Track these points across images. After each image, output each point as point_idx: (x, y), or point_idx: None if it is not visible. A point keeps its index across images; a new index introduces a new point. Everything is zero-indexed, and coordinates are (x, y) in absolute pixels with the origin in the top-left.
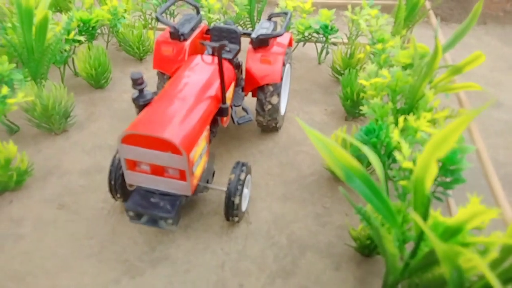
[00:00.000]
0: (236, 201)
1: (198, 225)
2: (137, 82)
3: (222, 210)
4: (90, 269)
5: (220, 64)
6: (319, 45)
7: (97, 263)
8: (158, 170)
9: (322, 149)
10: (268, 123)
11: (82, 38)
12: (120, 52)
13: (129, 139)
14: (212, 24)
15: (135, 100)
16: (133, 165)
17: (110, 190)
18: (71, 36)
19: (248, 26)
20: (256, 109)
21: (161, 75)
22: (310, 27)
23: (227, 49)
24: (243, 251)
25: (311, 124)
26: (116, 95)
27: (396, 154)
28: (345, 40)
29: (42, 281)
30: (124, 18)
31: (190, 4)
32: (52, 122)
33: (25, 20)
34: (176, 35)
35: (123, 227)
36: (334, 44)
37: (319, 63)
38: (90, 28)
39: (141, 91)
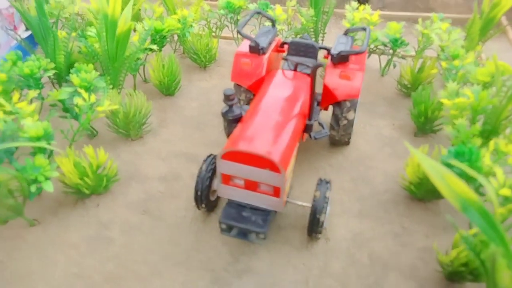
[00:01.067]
0: (322, 218)
1: (277, 238)
2: (229, 98)
3: (302, 225)
4: (180, 277)
5: (312, 83)
6: (383, 57)
7: (185, 271)
8: (252, 186)
9: (436, 178)
10: (341, 138)
11: (155, 47)
12: (184, 60)
13: (229, 155)
14: (282, 38)
15: (224, 115)
16: (228, 179)
17: (196, 200)
18: (146, 45)
19: (312, 37)
20: (330, 124)
21: (238, 87)
22: (377, 39)
23: (308, 64)
24: (325, 267)
25: (380, 138)
26: (185, 102)
27: (491, 180)
28: (412, 53)
29: (135, 285)
30: (192, 27)
31: (267, 17)
32: (131, 128)
33: (109, 31)
34: (256, 49)
35: (206, 236)
36: (403, 57)
37: (382, 75)
38: (161, 37)
39: (231, 106)
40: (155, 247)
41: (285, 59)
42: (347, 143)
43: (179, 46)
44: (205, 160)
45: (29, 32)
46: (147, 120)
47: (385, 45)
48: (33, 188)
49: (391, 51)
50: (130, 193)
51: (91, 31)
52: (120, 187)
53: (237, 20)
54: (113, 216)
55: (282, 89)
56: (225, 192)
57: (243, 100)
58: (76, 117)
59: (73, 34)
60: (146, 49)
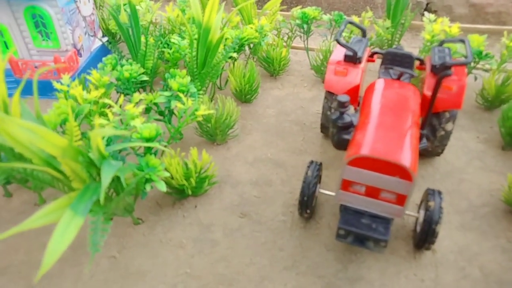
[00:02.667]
0: (438, 229)
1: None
2: (343, 105)
3: (404, 235)
4: (291, 282)
5: (435, 92)
6: None
7: (295, 275)
8: (373, 193)
9: None
10: (435, 149)
11: (235, 55)
12: (255, 68)
13: (356, 161)
14: (374, 48)
15: (334, 121)
16: (348, 185)
17: (301, 206)
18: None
19: (385, 48)
20: (425, 134)
21: (330, 95)
22: (456, 52)
23: (406, 75)
24: (437, 280)
25: (467, 151)
26: (262, 109)
27: None
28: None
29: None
30: (267, 36)
31: (358, 27)
32: (218, 133)
33: (202, 38)
34: (352, 58)
35: (309, 242)
36: (486, 70)
37: None
38: (240, 45)
39: (342, 113)
40: (260, 250)
41: (390, 68)
42: (438, 154)
43: (250, 54)
44: (309, 166)
45: (105, 38)
46: (234, 126)
47: (465, 57)
48: (148, 187)
49: (472, 64)
50: (225, 197)
51: (174, 38)
52: (215, 190)
53: (308, 30)
54: (213, 218)
55: (392, 99)
56: (343, 198)
57: (334, 108)
58: (169, 120)
59: (162, 40)
60: (229, 57)
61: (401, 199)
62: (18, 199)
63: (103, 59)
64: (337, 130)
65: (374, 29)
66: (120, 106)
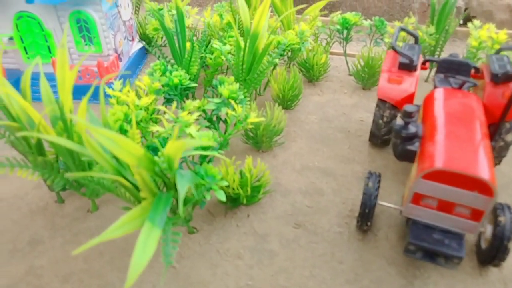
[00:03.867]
0: (510, 246)
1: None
2: (410, 115)
3: (471, 250)
4: None
5: (510, 102)
6: None
7: None
8: (446, 207)
9: None
10: None
11: (277, 61)
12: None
13: (431, 174)
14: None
15: (398, 131)
16: (418, 199)
17: (362, 218)
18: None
19: (427, 55)
20: None
21: (383, 104)
22: None
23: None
24: None
25: None
26: (303, 116)
27: None
28: None
29: None
30: (308, 42)
31: (410, 33)
32: (264, 140)
33: (250, 44)
34: (408, 66)
35: (368, 255)
36: None
37: None
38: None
39: (407, 123)
40: (319, 263)
41: (451, 77)
42: (494, 166)
43: (289, 60)
44: (369, 178)
45: (141, 44)
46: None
47: None
48: (208, 197)
49: None
50: (277, 206)
51: (216, 44)
52: (266, 199)
53: (347, 36)
54: (268, 228)
55: (459, 108)
56: (412, 212)
57: (386, 116)
58: (216, 127)
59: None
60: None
61: (477, 215)
62: (71, 205)
63: (151, 65)
64: (401, 140)
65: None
66: (164, 113)
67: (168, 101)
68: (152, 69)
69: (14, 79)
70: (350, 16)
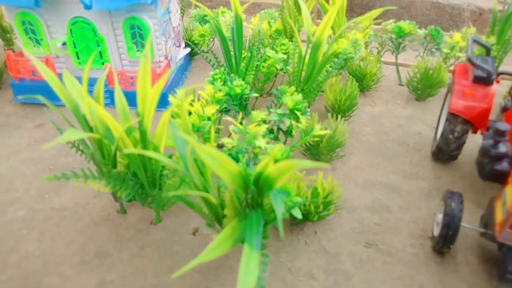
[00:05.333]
0: None
1: None
2: (502, 134)
3: None
4: None
5: None
6: None
7: None
8: None
9: None
10: None
11: (331, 70)
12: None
13: None
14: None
15: (487, 150)
16: None
17: (443, 241)
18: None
19: None
20: None
21: (454, 118)
22: None
23: None
24: None
25: None
26: (358, 127)
27: None
28: None
29: None
30: (360, 51)
31: (482, 45)
32: (324, 153)
33: (312, 53)
34: (486, 79)
35: (450, 279)
36: None
37: None
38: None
39: (497, 142)
40: (398, 286)
41: None
42: None
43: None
44: (450, 197)
45: (188, 49)
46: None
47: None
48: (285, 214)
49: None
50: (344, 223)
51: (269, 51)
52: (332, 215)
53: (399, 45)
54: (338, 247)
55: None
56: (508, 237)
57: (457, 132)
58: (276, 138)
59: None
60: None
61: None
62: (133, 216)
63: (211, 73)
64: (490, 160)
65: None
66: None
67: (226, 111)
68: (212, 78)
69: None
70: (405, 25)
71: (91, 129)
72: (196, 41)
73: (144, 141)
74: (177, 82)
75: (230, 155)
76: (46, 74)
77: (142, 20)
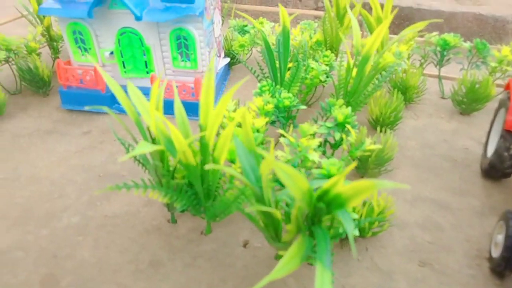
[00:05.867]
0: None
1: None
2: None
3: None
4: None
5: None
6: None
7: None
8: None
9: None
10: None
11: (378, 83)
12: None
13: None
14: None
15: None
16: None
17: (506, 263)
18: None
19: None
20: None
21: (510, 136)
22: None
23: None
24: None
25: None
26: (402, 141)
27: None
28: None
29: None
30: (405, 63)
31: None
32: (370, 167)
33: (360, 66)
34: None
35: None
36: None
37: None
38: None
39: None
40: None
41: None
42: None
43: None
44: (511, 218)
45: (227, 59)
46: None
47: None
48: (341, 229)
49: None
50: (395, 239)
51: (313, 63)
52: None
53: (442, 58)
54: (391, 265)
55: None
56: None
57: None
58: (324, 151)
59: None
60: None
61: None
62: (184, 226)
63: (259, 85)
64: None
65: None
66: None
67: (271, 123)
68: (260, 90)
69: (111, 92)
70: (450, 37)
71: (153, 140)
72: (235, 51)
73: (204, 153)
74: (218, 92)
75: None
76: (112, 84)
77: (189, 31)
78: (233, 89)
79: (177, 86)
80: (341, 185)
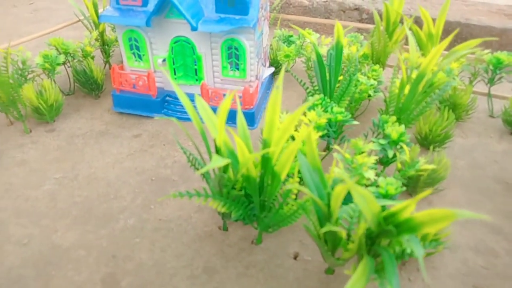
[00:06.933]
0: None
1: None
2: None
3: None
4: None
5: None
6: None
7: None
8: None
9: None
10: None
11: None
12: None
13: None
14: None
15: None
16: None
17: None
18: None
19: None
20: None
21: None
22: None
23: None
24: None
25: None
26: (451, 160)
27: None
28: None
29: None
30: (455, 80)
31: None
32: (421, 185)
33: (415, 83)
34: None
35: None
36: None
37: None
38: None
39: None
40: None
41: None
42: None
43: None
44: None
45: (272, 69)
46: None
47: None
48: (409, 250)
49: None
50: (447, 261)
51: (362, 78)
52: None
53: (494, 76)
54: (443, 287)
55: None
56: None
57: None
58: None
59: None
60: None
61: None
62: (234, 234)
63: (310, 98)
64: None
65: None
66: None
67: (321, 137)
68: (313, 104)
69: (161, 97)
70: (503, 55)
71: (217, 151)
72: (280, 61)
73: (265, 167)
74: (262, 102)
75: None
76: (180, 95)
77: (240, 42)
78: (302, 108)
79: (224, 95)
80: (412, 210)
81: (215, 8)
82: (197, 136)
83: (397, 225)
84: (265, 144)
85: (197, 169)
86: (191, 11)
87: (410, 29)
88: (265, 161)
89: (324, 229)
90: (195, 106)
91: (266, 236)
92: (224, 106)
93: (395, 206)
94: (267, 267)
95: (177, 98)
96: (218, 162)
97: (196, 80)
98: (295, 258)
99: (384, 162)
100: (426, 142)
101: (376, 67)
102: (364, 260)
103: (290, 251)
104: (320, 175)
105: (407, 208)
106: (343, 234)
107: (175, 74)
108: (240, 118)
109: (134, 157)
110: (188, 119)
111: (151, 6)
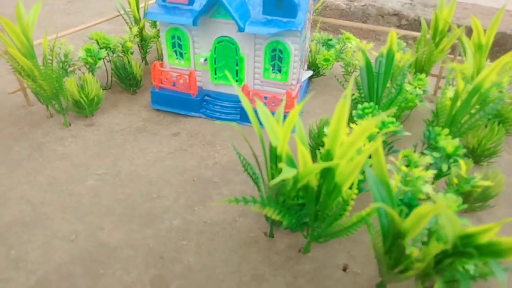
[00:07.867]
0: None
1: None
2: None
3: None
4: None
5: None
6: None
7: None
8: None
9: None
10: None
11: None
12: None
13: None
14: None
15: None
16: None
17: None
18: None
19: None
20: None
21: None
22: None
23: None
24: None
25: None
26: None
27: None
28: None
29: None
30: (502, 92)
31: None
32: (472, 202)
33: (469, 97)
34: None
35: None
36: None
37: None
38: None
39: None
40: None
41: None
42: None
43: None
44: None
45: (310, 72)
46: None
47: None
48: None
49: None
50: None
51: (408, 87)
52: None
53: None
54: None
55: None
56: None
57: None
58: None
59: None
60: None
61: None
62: (281, 242)
63: (359, 106)
64: None
65: None
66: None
67: None
68: (362, 112)
69: (201, 97)
70: None
71: (278, 158)
72: (319, 65)
73: (325, 177)
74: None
75: (400, 200)
76: (244, 101)
77: (286, 44)
78: (371, 123)
79: (266, 98)
80: (495, 232)
81: (262, 10)
82: (237, 136)
83: (477, 247)
84: (328, 155)
85: (249, 173)
86: (239, 12)
87: (459, 39)
88: (326, 171)
89: (410, 249)
90: (255, 111)
91: (313, 246)
92: (292, 116)
93: (471, 227)
94: (316, 278)
95: (216, 98)
96: (288, 173)
97: (236, 81)
98: (344, 270)
99: (436, 176)
100: (473, 156)
101: (422, 76)
102: (438, 283)
103: (339, 262)
104: (388, 189)
105: (489, 232)
106: (415, 253)
107: (215, 74)
108: (300, 128)
109: (174, 156)
110: (227, 120)
111: (197, 5)
